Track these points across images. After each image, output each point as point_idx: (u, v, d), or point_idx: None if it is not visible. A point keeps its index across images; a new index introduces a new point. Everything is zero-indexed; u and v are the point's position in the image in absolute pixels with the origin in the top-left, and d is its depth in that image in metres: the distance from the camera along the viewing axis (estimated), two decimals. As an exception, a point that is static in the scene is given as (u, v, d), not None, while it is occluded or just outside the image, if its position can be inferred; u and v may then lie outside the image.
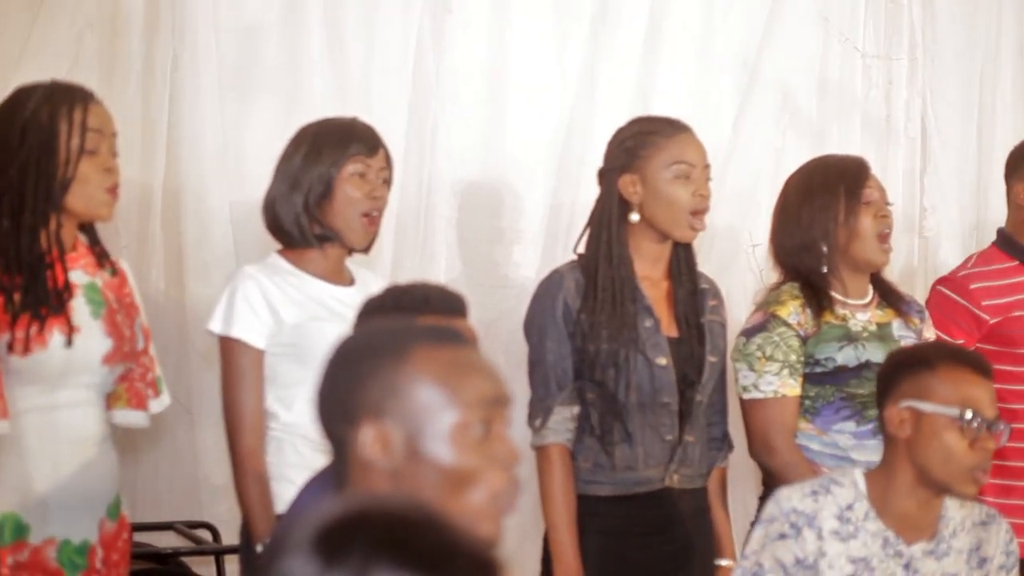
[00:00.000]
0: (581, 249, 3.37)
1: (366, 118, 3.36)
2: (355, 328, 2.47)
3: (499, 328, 4.12)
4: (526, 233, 4.32)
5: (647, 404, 3.25)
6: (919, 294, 3.92)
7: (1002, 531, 2.96)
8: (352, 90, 4.10)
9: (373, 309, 2.55)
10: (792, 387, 3.36)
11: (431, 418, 1.77)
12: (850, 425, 3.35)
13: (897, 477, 2.82)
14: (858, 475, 2.87)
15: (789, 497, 2.83)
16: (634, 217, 3.30)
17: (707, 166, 3.35)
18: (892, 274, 4.59)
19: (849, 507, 2.83)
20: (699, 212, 3.30)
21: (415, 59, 4.19)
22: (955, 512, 2.91)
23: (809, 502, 2.82)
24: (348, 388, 1.80)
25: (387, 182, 3.27)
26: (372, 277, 3.34)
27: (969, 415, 2.74)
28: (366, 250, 3.30)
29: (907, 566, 2.85)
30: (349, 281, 3.27)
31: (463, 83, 4.25)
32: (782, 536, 2.81)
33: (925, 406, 2.77)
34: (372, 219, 3.22)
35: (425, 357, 1.79)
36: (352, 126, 3.26)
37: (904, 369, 2.83)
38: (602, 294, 3.25)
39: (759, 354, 3.36)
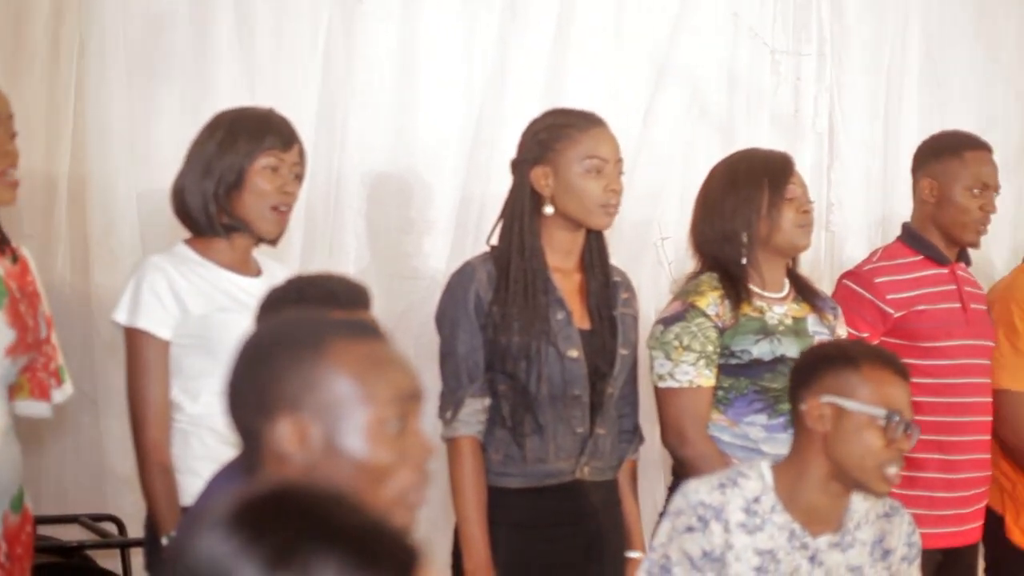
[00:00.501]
0: (494, 241, 3.36)
1: (275, 108, 3.34)
2: (259, 319, 2.45)
3: (409, 319, 4.12)
4: (436, 224, 4.31)
5: (558, 396, 3.25)
6: (825, 288, 3.95)
7: (904, 523, 2.99)
8: (262, 79, 4.07)
9: (275, 300, 2.53)
10: (707, 378, 3.38)
11: (348, 413, 1.76)
12: (762, 418, 3.37)
13: (809, 470, 2.84)
14: (765, 468, 2.89)
15: (696, 490, 2.85)
16: (548, 210, 3.30)
17: (619, 160, 3.35)
18: (800, 270, 4.66)
19: (756, 500, 2.85)
20: (610, 207, 3.31)
21: (325, 49, 4.16)
22: (859, 504, 2.94)
23: (716, 495, 2.83)
24: (264, 381, 1.78)
25: (299, 177, 3.25)
26: (279, 268, 3.31)
27: (892, 417, 2.77)
28: (275, 242, 3.28)
29: (812, 558, 2.87)
30: (256, 272, 3.24)
31: (373, 73, 4.22)
32: (689, 529, 2.82)
33: (848, 403, 2.79)
34: (282, 212, 3.20)
35: (342, 351, 1.78)
36: (269, 118, 3.23)
37: (827, 364, 2.85)
38: (514, 286, 3.24)
39: (676, 343, 3.37)
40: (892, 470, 2.79)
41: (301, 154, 3.24)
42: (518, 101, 4.19)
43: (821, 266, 4.78)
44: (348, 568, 1.26)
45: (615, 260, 3.61)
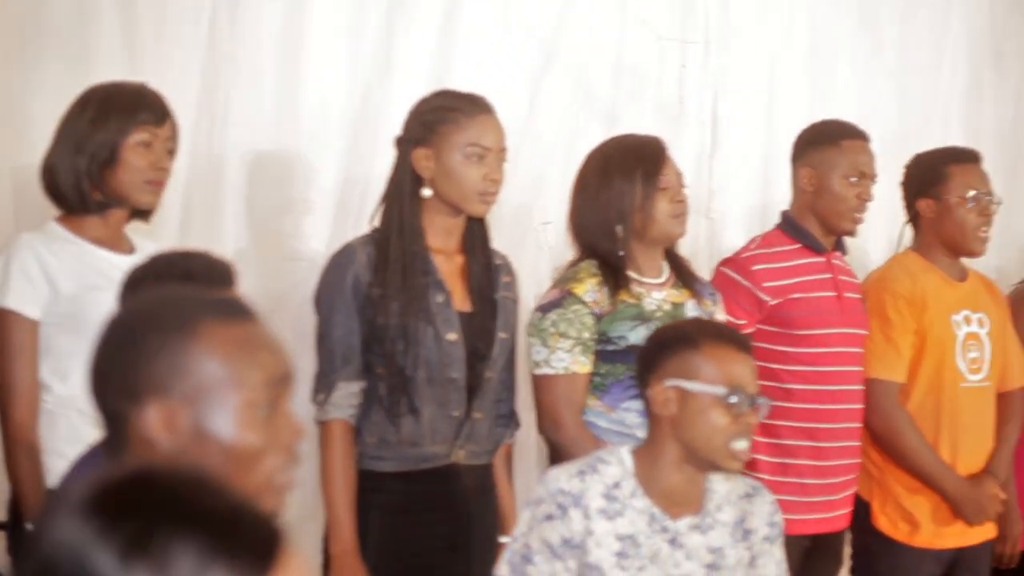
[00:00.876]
0: (377, 222, 3.34)
1: (157, 84, 3.29)
2: (122, 297, 2.42)
3: (288, 300, 4.07)
4: (317, 205, 4.27)
5: (435, 379, 3.25)
6: (704, 275, 3.98)
7: (766, 503, 3.01)
8: (143, 54, 4.00)
9: (137, 278, 2.50)
10: (583, 364, 3.39)
11: (218, 397, 1.74)
12: (637, 404, 3.37)
13: (663, 454, 2.87)
14: (625, 453, 2.91)
15: (556, 478, 2.86)
16: (426, 192, 3.29)
17: (503, 150, 3.34)
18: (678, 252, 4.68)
19: (616, 485, 2.86)
20: (487, 195, 3.30)
21: (209, 25, 4.10)
22: (720, 486, 2.96)
23: (576, 482, 2.84)
24: (131, 364, 1.75)
25: (172, 152, 3.21)
26: (153, 246, 3.27)
27: (734, 394, 2.80)
28: (148, 215, 3.24)
29: (673, 541, 2.89)
30: (129, 249, 3.21)
31: (257, 51, 4.17)
32: (549, 517, 2.83)
33: (691, 385, 2.82)
34: (157, 185, 3.17)
35: (213, 334, 1.76)
36: (141, 93, 3.19)
37: (667, 348, 2.88)
38: (393, 267, 3.23)
39: (553, 330, 3.38)
40: (741, 445, 2.82)
41: (174, 129, 3.21)
42: (403, 83, 4.16)
43: (701, 253, 4.79)
44: (208, 553, 1.24)
45: (495, 245, 3.61)
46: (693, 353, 2.84)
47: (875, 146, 4.05)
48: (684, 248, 4.78)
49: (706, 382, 2.82)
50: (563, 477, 2.86)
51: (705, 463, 2.85)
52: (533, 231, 4.47)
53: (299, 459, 1.84)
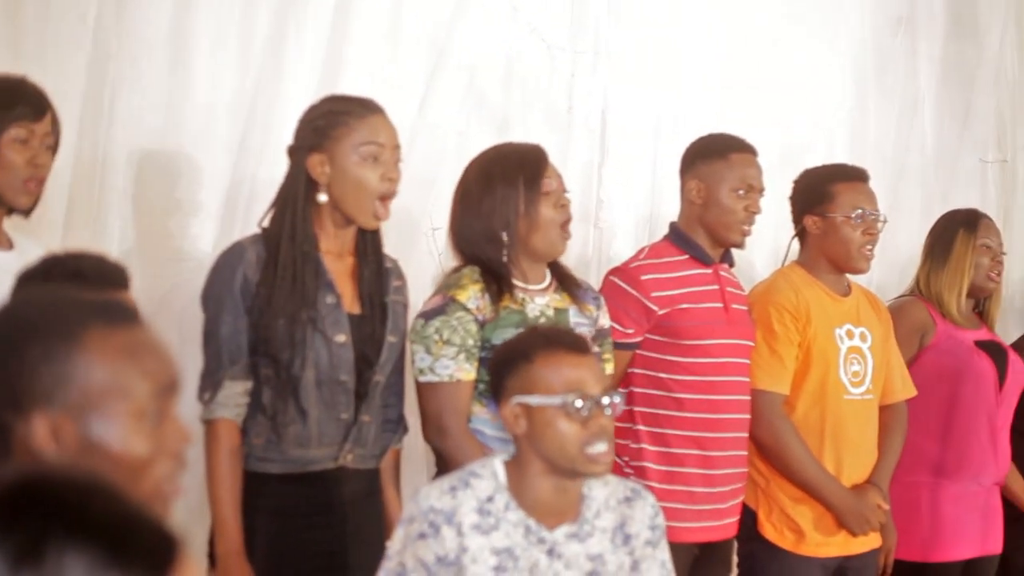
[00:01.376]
0: (266, 223, 3.30)
1: (40, 79, 3.23)
2: (13, 300, 2.37)
3: (173, 301, 4.02)
4: (205, 206, 4.21)
5: (323, 382, 3.22)
6: (593, 284, 3.99)
7: (647, 506, 3.00)
8: (27, 48, 3.93)
9: (27, 279, 2.46)
10: (467, 371, 3.38)
11: (105, 407, 1.70)
12: (524, 410, 3.38)
13: (528, 468, 2.86)
14: (498, 465, 2.89)
15: (427, 496, 2.83)
16: (322, 198, 3.26)
17: (397, 147, 3.33)
18: (567, 263, 4.69)
19: (489, 499, 2.85)
20: (386, 197, 3.29)
21: (95, 21, 4.04)
22: (598, 492, 2.95)
23: (447, 499, 2.82)
24: (14, 374, 1.69)
25: (51, 148, 3.15)
26: (32, 244, 3.21)
27: (574, 399, 2.79)
28: (28, 213, 3.18)
29: (551, 552, 2.87)
30: (8, 245, 3.15)
31: (144, 51, 4.11)
32: (422, 536, 2.80)
33: (532, 399, 2.81)
34: (35, 183, 3.11)
35: (99, 341, 1.71)
36: (19, 87, 3.13)
37: (506, 367, 2.88)
38: (283, 269, 3.19)
39: (436, 337, 3.37)
40: (597, 449, 2.80)
41: (54, 123, 3.15)
42: (293, 85, 4.13)
43: (589, 262, 4.82)
44: (101, 563, 1.21)
45: (386, 249, 3.58)
46: (528, 367, 2.83)
47: (762, 160, 4.09)
48: (572, 255, 4.81)
49: (546, 393, 2.80)
50: (434, 494, 2.83)
51: (568, 472, 2.84)
52: (423, 236, 4.45)
53: (186, 465, 1.81)
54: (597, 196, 4.90)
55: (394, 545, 2.86)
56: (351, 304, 3.30)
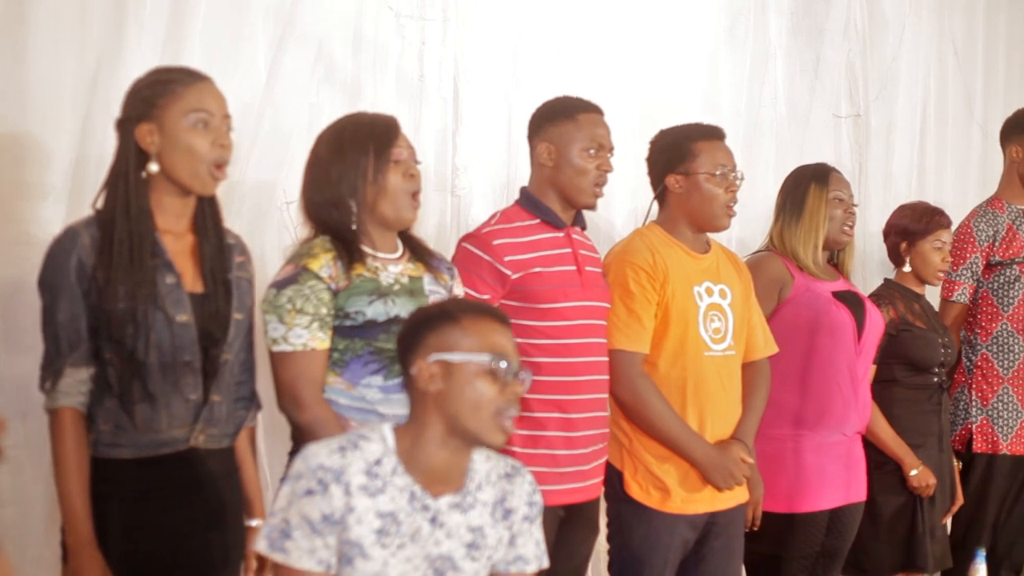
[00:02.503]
0: (101, 204, 3.23)
1: None
2: None
3: (23, 286, 3.94)
4: (54, 189, 4.13)
5: (168, 363, 3.16)
6: (452, 252, 3.98)
7: (526, 483, 3.04)
8: None
9: None
10: (321, 340, 3.35)
11: None
12: (378, 379, 3.36)
13: (427, 431, 2.86)
14: (387, 430, 2.90)
15: (316, 453, 2.83)
16: (153, 167, 3.20)
17: (227, 116, 3.28)
18: (426, 232, 4.67)
19: (377, 462, 2.85)
20: (220, 164, 3.25)
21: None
22: (481, 465, 2.97)
23: (337, 458, 2.82)
24: None
25: None
26: None
27: (499, 361, 2.82)
28: None
29: (433, 520, 2.89)
30: None
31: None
32: (309, 492, 2.80)
33: (455, 356, 2.83)
34: None
35: None
36: None
37: (428, 325, 2.88)
38: (119, 249, 3.13)
39: (289, 307, 3.33)
40: (509, 416, 2.85)
41: None
42: (135, 61, 4.04)
43: (448, 230, 4.81)
44: None
45: (238, 223, 3.55)
46: (454, 327, 2.85)
47: (619, 122, 4.09)
48: (431, 224, 4.81)
49: (469, 351, 2.83)
50: (323, 453, 2.83)
51: (471, 436, 2.85)
52: (277, 210, 4.40)
53: (4, 454, 1.77)
54: (453, 164, 4.89)
55: (278, 502, 2.85)
56: (193, 283, 3.25)
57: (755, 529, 4.34)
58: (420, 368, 2.85)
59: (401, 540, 2.85)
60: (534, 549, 3.04)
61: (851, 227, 4.63)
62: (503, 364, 2.83)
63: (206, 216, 3.31)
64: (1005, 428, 5.27)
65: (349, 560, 2.83)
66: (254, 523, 3.38)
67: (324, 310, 3.35)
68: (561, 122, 3.91)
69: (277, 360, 3.37)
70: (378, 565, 2.83)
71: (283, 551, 2.81)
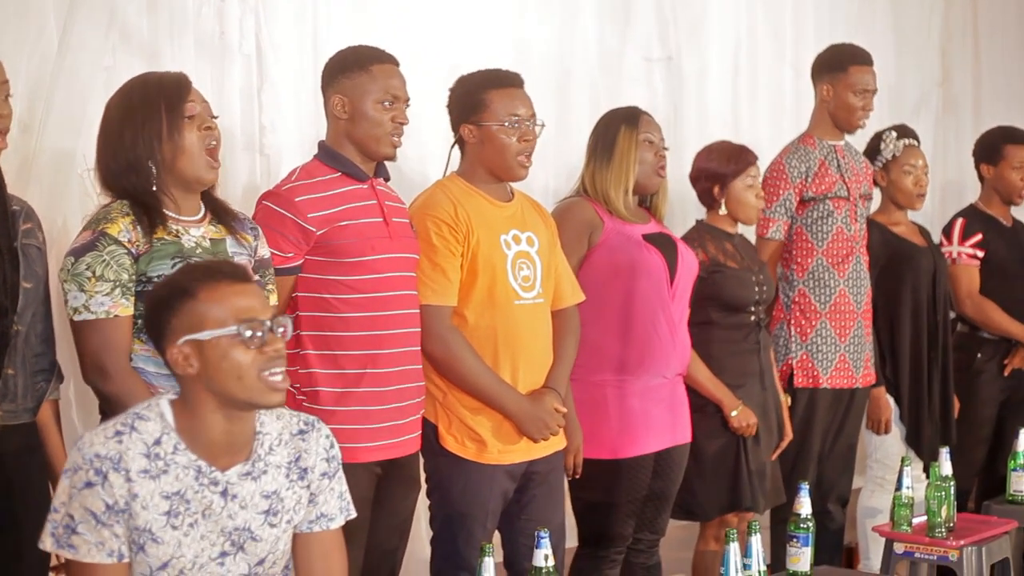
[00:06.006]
0: None
1: None
2: None
3: None
4: None
5: None
6: (254, 212, 3.90)
7: (322, 437, 2.98)
8: None
9: None
10: (125, 307, 3.27)
11: None
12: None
13: (200, 410, 2.79)
14: (165, 405, 2.81)
15: (91, 443, 2.74)
16: None
17: (4, 82, 3.19)
18: (235, 193, 4.60)
19: (157, 442, 2.77)
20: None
21: None
22: (272, 426, 2.91)
23: (113, 444, 2.73)
24: None
25: None
26: None
27: (247, 327, 2.75)
28: None
29: (224, 492, 2.82)
30: None
31: None
32: (89, 484, 2.71)
33: (202, 335, 2.75)
34: None
35: None
36: None
37: (166, 308, 2.79)
38: None
39: (89, 274, 3.24)
40: (276, 374, 2.77)
41: None
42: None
43: (257, 190, 4.68)
44: None
45: (36, 192, 3.44)
46: (193, 303, 2.76)
47: (432, 74, 4.03)
48: (240, 184, 4.73)
49: (216, 326, 2.74)
50: (98, 441, 2.73)
51: (244, 404, 2.79)
52: (77, 177, 4.29)
53: None
54: (259, 122, 4.82)
55: (59, 497, 2.75)
56: None
57: (577, 477, 4.34)
58: (172, 353, 2.77)
59: (192, 518, 2.79)
60: (337, 503, 2.99)
61: (663, 168, 4.63)
62: (254, 329, 2.75)
63: None
64: (824, 362, 5.35)
65: (140, 547, 2.75)
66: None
67: (125, 276, 3.26)
68: (354, 73, 3.84)
69: (79, 330, 3.28)
70: (171, 548, 2.77)
71: (71, 547, 2.73)
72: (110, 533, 2.72)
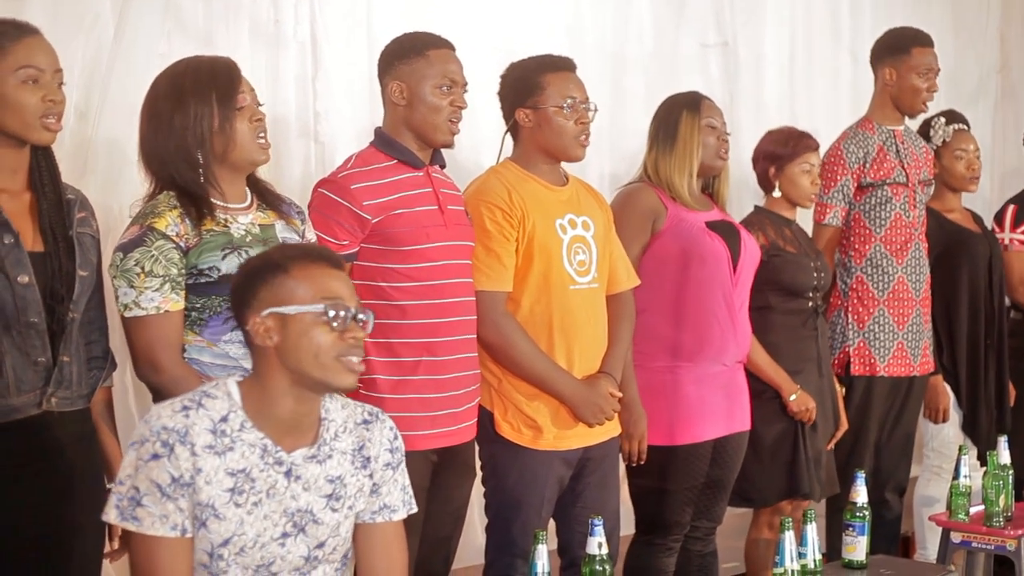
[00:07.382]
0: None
1: None
2: None
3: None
4: None
5: (12, 326, 3.06)
6: (311, 199, 3.89)
7: (386, 429, 2.98)
8: None
9: None
10: (175, 301, 3.27)
11: None
12: (239, 335, 3.26)
13: (271, 385, 2.80)
14: (232, 385, 2.82)
15: (159, 415, 2.75)
16: None
17: (59, 71, 3.18)
18: (291, 180, 4.60)
19: (223, 419, 2.77)
20: (53, 115, 3.14)
21: None
22: (337, 414, 2.92)
23: (180, 418, 2.74)
24: None
25: None
26: None
27: (333, 308, 2.75)
28: None
29: (288, 473, 2.82)
30: None
31: None
32: (155, 456, 2.71)
33: (287, 309, 2.75)
34: None
35: None
36: None
37: (257, 279, 2.80)
38: None
39: (138, 270, 3.24)
40: (353, 360, 2.77)
41: None
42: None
43: (313, 178, 4.69)
44: None
45: (92, 181, 3.44)
46: (284, 278, 2.78)
47: (483, 62, 4.01)
48: (296, 173, 4.73)
49: (302, 303, 2.75)
50: (165, 414, 2.75)
51: (317, 384, 2.79)
52: (131, 165, 4.28)
53: None
54: (314, 109, 4.81)
55: (125, 470, 2.76)
56: (32, 242, 3.14)
57: (641, 463, 4.32)
58: (255, 324, 2.78)
59: (256, 497, 2.79)
60: (400, 495, 3.00)
61: (725, 153, 4.60)
62: (340, 312, 2.76)
63: (42, 172, 3.21)
64: (882, 350, 5.30)
65: (203, 523, 2.75)
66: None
67: (175, 270, 3.26)
68: (411, 59, 3.83)
69: (130, 325, 3.28)
70: (234, 525, 2.77)
71: (135, 519, 2.73)
72: (174, 507, 2.73)
